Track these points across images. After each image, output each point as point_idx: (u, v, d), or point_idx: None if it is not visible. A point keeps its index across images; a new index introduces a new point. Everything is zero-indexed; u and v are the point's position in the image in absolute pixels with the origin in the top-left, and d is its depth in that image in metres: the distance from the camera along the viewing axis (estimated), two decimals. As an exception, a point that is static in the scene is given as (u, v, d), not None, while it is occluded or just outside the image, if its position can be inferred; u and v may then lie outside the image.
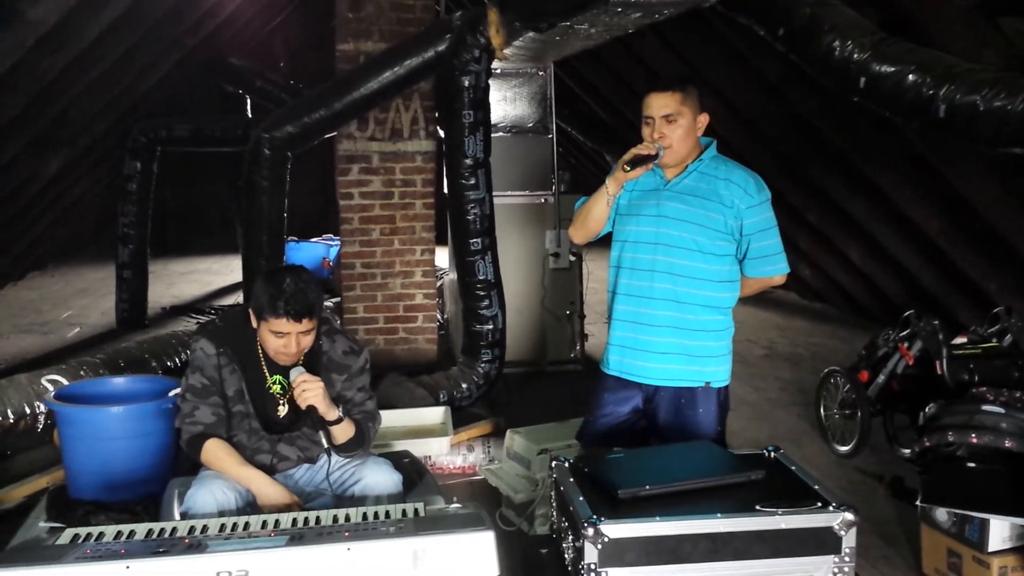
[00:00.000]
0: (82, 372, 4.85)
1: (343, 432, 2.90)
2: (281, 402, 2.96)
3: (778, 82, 6.33)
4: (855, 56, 3.81)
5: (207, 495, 2.72)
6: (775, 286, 3.16)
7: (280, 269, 2.96)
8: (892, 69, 3.69)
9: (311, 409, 2.82)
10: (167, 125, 8.43)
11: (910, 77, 3.63)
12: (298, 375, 2.83)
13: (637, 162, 2.86)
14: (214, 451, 2.85)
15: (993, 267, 5.89)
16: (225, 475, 2.82)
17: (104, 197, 10.26)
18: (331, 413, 2.85)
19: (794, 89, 6.22)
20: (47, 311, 9.51)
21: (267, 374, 2.94)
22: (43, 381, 4.65)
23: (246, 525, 2.39)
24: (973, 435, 3.36)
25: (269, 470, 2.91)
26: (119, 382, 4.19)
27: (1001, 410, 3.40)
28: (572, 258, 6.61)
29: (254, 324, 2.87)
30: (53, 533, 2.36)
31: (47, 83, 5.85)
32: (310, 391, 2.80)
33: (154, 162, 8.41)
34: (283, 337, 2.80)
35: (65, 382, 4.58)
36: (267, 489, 2.81)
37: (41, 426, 4.57)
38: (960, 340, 4.51)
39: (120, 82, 7.24)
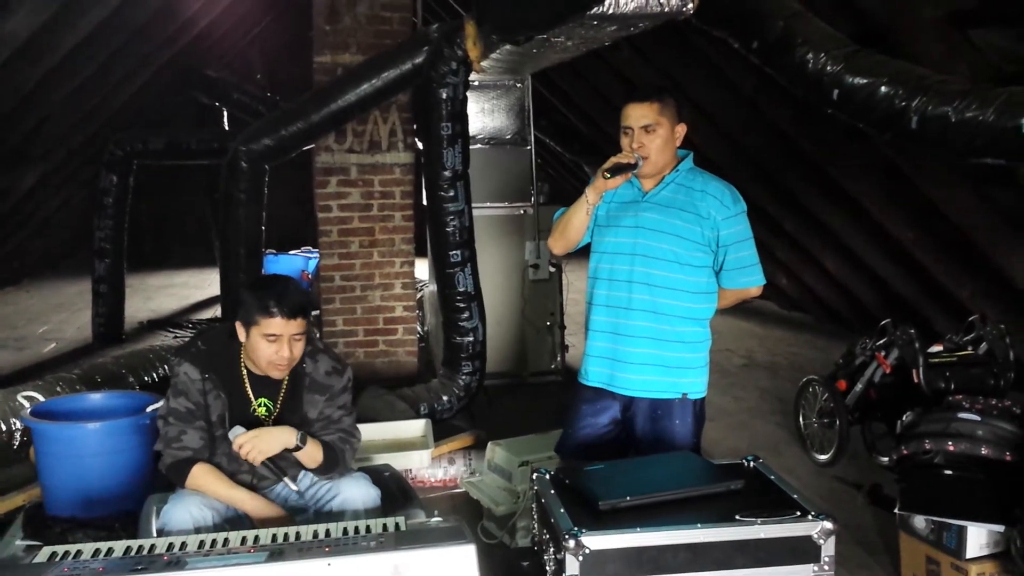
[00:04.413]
0: (58, 388, 4.81)
1: (311, 458, 2.90)
2: (267, 424, 2.94)
3: (753, 94, 6.38)
4: (828, 68, 3.84)
5: (183, 512, 2.70)
6: (751, 297, 3.18)
7: (266, 276, 2.97)
8: (865, 81, 3.73)
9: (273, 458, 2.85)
10: (143, 138, 8.38)
11: (882, 89, 3.67)
12: (235, 437, 2.82)
13: (617, 170, 2.88)
14: (203, 476, 2.83)
15: (967, 275, 5.95)
16: (214, 497, 2.81)
17: (80, 211, 10.19)
18: (289, 442, 2.85)
19: (769, 100, 6.28)
20: (22, 326, 9.42)
21: (252, 397, 2.93)
22: (19, 398, 4.60)
23: (225, 541, 2.37)
24: (950, 443, 3.39)
25: (250, 489, 2.90)
26: (96, 398, 4.16)
27: (977, 417, 3.43)
28: (552, 269, 6.62)
29: (242, 337, 2.85)
30: (30, 551, 2.34)
31: (21, 96, 5.81)
32: (255, 449, 2.80)
33: (130, 175, 8.35)
34: (275, 341, 2.78)
35: (41, 398, 4.53)
36: (262, 510, 2.82)
37: (17, 443, 4.52)
38: (936, 348, 4.54)
39: (95, 95, 7.21)
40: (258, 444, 2.80)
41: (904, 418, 3.96)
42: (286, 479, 2.89)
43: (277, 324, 2.76)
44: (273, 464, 2.87)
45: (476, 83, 6.21)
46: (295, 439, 2.84)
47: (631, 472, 2.73)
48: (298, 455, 2.88)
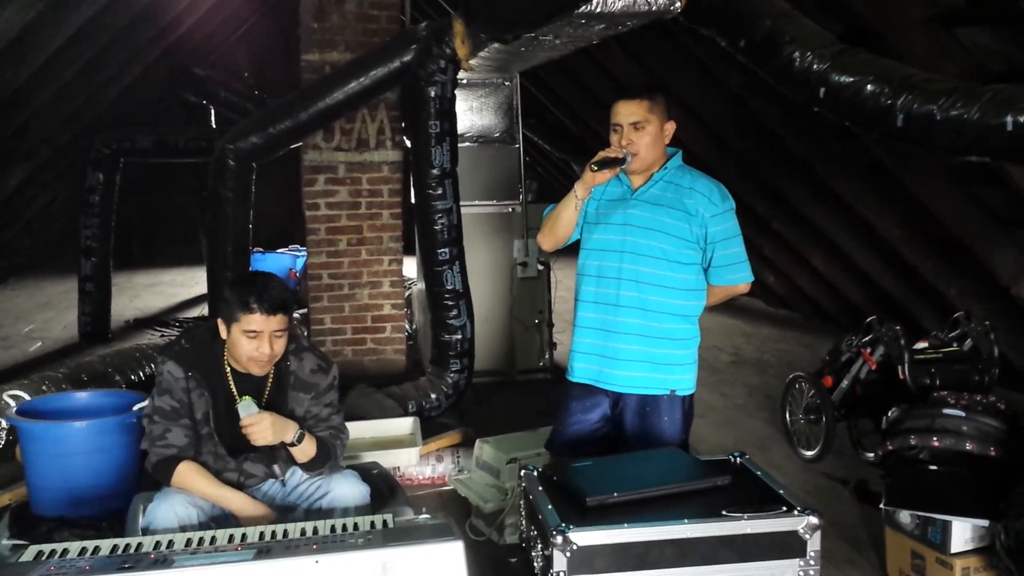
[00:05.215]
0: (44, 387, 4.78)
1: (303, 453, 2.90)
2: None
3: (741, 92, 6.40)
4: (815, 67, 3.86)
5: (168, 510, 2.70)
6: (739, 294, 3.19)
7: (248, 273, 2.96)
8: (851, 79, 3.74)
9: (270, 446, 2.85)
10: (130, 136, 8.32)
11: (868, 87, 3.68)
12: (244, 414, 2.81)
13: (605, 164, 2.89)
14: (188, 474, 2.82)
15: (953, 272, 5.98)
16: (199, 496, 2.81)
17: (67, 209, 10.13)
18: (287, 436, 2.85)
19: (757, 99, 6.29)
20: (8, 325, 9.36)
21: (236, 395, 2.92)
22: (5, 396, 4.57)
23: (213, 539, 2.37)
24: (935, 438, 3.41)
25: (236, 487, 2.90)
26: (82, 397, 4.15)
27: (962, 413, 3.45)
28: (540, 267, 6.62)
29: (223, 334, 2.85)
30: (16, 551, 2.33)
31: (7, 95, 5.77)
32: (257, 432, 2.80)
33: (117, 174, 8.30)
34: (256, 338, 2.78)
35: (27, 397, 4.51)
36: (248, 509, 2.81)
37: (3, 442, 4.50)
38: (921, 345, 4.57)
39: (82, 93, 7.16)
40: (263, 431, 2.80)
41: (890, 414, 3.98)
42: (276, 467, 2.88)
43: (257, 320, 2.76)
44: (268, 449, 2.88)
45: (464, 81, 6.21)
46: (292, 435, 2.85)
47: (618, 468, 2.74)
48: (292, 450, 2.88)
